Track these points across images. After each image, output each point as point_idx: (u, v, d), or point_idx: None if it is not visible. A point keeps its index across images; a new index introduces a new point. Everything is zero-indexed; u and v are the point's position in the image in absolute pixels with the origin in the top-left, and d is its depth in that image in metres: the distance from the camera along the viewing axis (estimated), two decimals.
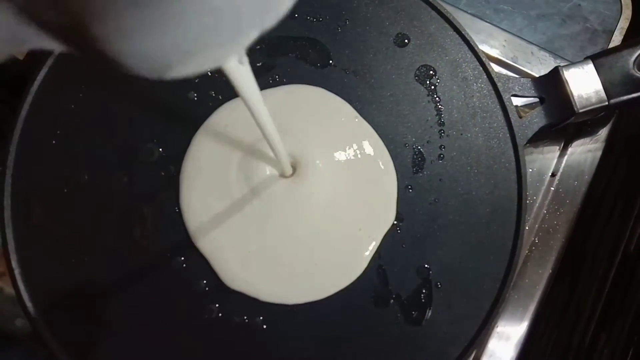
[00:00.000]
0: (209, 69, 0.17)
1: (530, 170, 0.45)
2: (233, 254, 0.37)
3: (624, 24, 0.50)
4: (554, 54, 0.47)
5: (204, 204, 0.38)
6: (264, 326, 0.36)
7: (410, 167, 0.39)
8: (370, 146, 0.39)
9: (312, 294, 0.37)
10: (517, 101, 0.41)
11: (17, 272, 0.36)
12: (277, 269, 0.37)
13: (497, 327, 0.42)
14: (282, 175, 0.38)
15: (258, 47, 0.40)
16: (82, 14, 0.13)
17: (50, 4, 0.13)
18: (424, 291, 0.37)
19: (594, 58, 0.40)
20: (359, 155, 0.39)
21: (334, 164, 0.39)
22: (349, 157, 0.39)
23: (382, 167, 0.39)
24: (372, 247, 0.37)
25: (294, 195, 0.37)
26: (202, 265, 0.37)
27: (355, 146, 0.39)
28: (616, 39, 0.49)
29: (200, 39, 0.15)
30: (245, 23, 0.16)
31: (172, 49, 0.15)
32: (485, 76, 0.40)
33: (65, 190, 0.37)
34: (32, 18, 0.14)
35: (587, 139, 0.46)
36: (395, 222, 0.38)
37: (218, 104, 0.39)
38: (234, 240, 0.37)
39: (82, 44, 0.14)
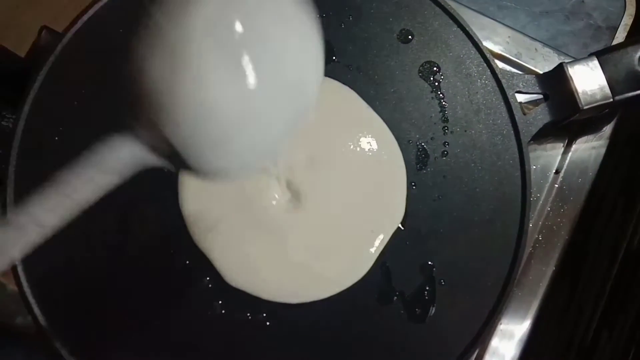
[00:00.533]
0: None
1: (534, 167, 0.44)
2: (235, 253, 0.37)
3: (627, 20, 0.49)
4: (558, 50, 0.47)
5: (204, 205, 0.37)
6: (267, 323, 0.36)
7: (414, 163, 0.39)
8: (381, 140, 0.39)
9: (316, 293, 0.36)
10: (521, 98, 0.40)
11: (19, 269, 0.36)
12: (280, 267, 0.37)
13: (501, 324, 0.42)
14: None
15: None
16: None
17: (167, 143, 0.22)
18: (427, 288, 0.37)
19: (599, 54, 0.39)
20: (369, 150, 0.39)
21: (343, 158, 0.38)
22: (358, 151, 0.38)
23: (393, 162, 0.38)
24: (379, 245, 0.37)
25: (301, 192, 0.37)
26: (205, 262, 0.37)
27: (365, 140, 0.39)
28: (620, 36, 0.49)
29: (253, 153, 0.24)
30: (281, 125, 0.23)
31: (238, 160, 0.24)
32: (490, 72, 0.40)
33: None
34: (155, 151, 0.24)
35: (591, 136, 0.45)
36: None
37: None
38: (235, 240, 0.37)
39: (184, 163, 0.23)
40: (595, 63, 0.39)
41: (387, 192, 0.38)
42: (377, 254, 0.37)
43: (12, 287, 0.41)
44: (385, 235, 0.37)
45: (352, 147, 0.38)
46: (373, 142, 0.39)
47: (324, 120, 0.39)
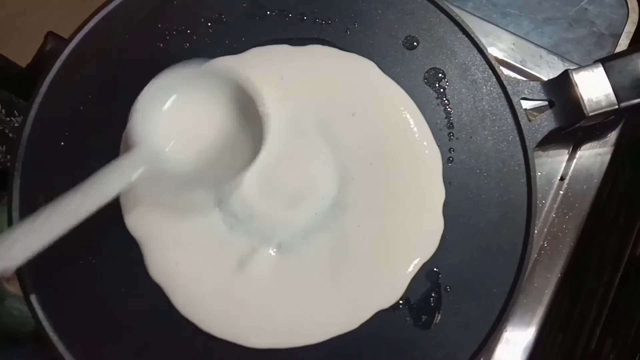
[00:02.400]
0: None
1: (539, 174, 0.44)
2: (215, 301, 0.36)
3: (630, 27, 0.50)
4: (562, 57, 0.47)
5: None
6: None
7: None
8: (421, 141, 0.38)
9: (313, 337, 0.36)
10: (527, 104, 0.40)
11: (25, 274, 0.36)
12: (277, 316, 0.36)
13: (506, 331, 0.42)
14: None
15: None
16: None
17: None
18: (433, 295, 0.37)
19: (604, 61, 0.40)
20: (408, 157, 0.38)
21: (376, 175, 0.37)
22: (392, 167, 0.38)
23: (432, 167, 0.38)
24: (412, 270, 0.36)
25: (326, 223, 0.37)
26: None
27: (406, 149, 0.38)
28: (623, 43, 0.49)
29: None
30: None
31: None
32: (495, 79, 0.40)
33: None
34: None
35: (595, 143, 0.46)
36: None
37: None
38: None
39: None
40: (600, 70, 0.39)
41: (425, 214, 0.37)
42: (407, 282, 0.36)
43: (15, 291, 0.41)
44: (422, 258, 0.37)
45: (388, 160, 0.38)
46: (414, 145, 0.38)
47: (356, 123, 0.38)
